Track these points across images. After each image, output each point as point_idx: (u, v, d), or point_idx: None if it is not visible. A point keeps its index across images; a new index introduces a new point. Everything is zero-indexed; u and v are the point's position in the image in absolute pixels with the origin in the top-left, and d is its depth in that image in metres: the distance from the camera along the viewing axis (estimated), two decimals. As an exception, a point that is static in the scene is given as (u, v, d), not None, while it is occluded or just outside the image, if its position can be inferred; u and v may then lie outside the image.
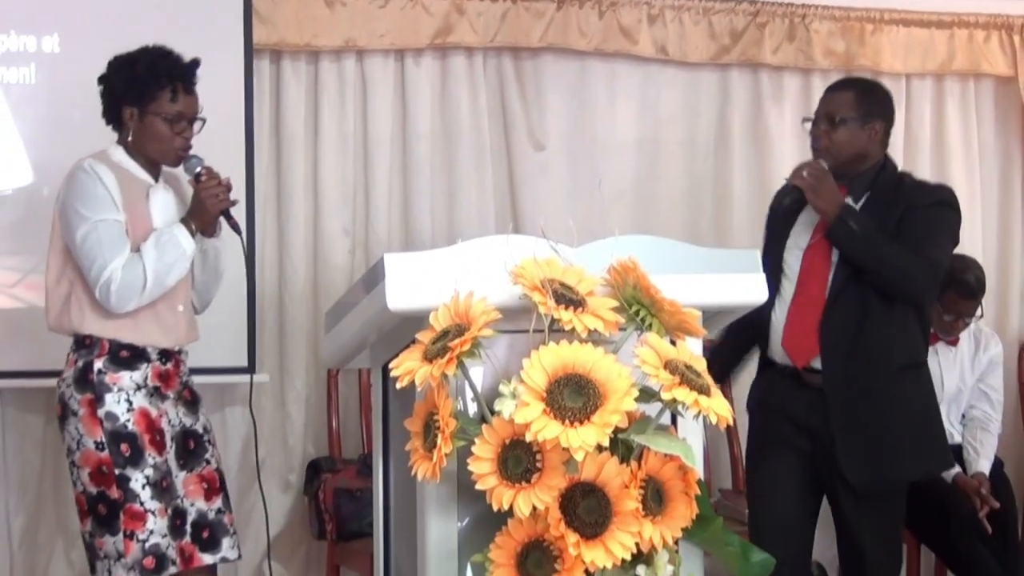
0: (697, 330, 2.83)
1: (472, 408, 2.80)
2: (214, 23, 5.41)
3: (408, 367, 2.64)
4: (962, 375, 5.68)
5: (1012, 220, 6.51)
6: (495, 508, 2.58)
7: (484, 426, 2.62)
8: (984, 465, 5.47)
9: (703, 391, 2.62)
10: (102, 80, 4.23)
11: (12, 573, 5.53)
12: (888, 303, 4.24)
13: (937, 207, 4.39)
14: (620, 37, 6.00)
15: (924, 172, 6.33)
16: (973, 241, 6.29)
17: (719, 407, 2.63)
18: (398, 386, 2.66)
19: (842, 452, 4.26)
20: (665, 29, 6.05)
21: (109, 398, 4.06)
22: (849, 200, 4.36)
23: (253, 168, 5.45)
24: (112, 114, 4.24)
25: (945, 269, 4.39)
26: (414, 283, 2.84)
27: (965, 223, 6.23)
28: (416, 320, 2.80)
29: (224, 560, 4.28)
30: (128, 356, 4.12)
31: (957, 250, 5.85)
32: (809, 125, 4.49)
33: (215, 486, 4.28)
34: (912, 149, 6.35)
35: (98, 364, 4.08)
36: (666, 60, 6.11)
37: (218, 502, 4.27)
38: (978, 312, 5.57)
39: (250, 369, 5.42)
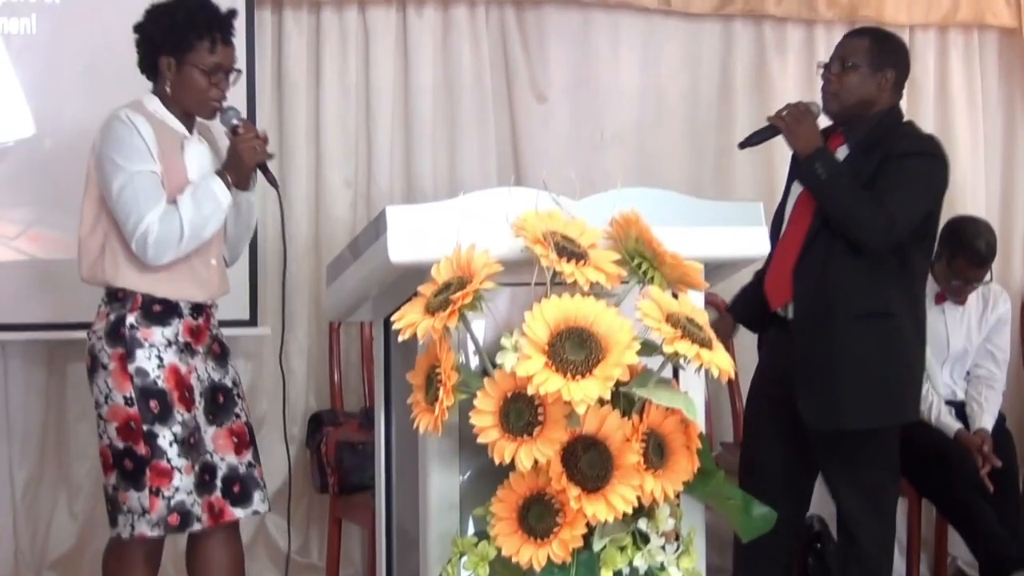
0: (699, 283, 2.83)
1: (474, 361, 2.80)
2: (215, -26, 5.39)
3: (410, 320, 2.64)
4: (968, 334, 5.65)
5: (1015, 172, 6.49)
6: (497, 461, 2.59)
7: (486, 379, 2.63)
8: (987, 421, 5.47)
9: (705, 344, 2.62)
10: (138, 29, 4.18)
11: (15, 525, 5.55)
12: (854, 250, 4.26)
13: (913, 158, 4.38)
14: (623, -12, 5.99)
15: (927, 124, 6.30)
16: (976, 194, 6.29)
17: (721, 360, 2.63)
18: (400, 339, 2.66)
19: (801, 398, 4.30)
20: (669, -20, 6.04)
21: (140, 353, 4.04)
22: (844, 148, 4.41)
23: (255, 121, 5.42)
24: (148, 63, 4.18)
25: (915, 221, 4.32)
26: (416, 235, 2.83)
27: (968, 176, 6.28)
28: (418, 273, 2.80)
29: (255, 513, 4.31)
30: (161, 311, 4.10)
31: (964, 211, 5.88)
32: (823, 70, 4.52)
33: (245, 440, 4.28)
34: (916, 101, 6.33)
35: (131, 319, 4.06)
36: (669, 11, 6.09)
37: (248, 456, 4.28)
38: (987, 277, 5.55)
39: (252, 322, 5.43)
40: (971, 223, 5.58)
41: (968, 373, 5.67)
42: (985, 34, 6.45)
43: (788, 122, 4.39)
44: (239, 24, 5.29)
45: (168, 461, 4.02)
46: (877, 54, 4.44)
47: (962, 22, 6.35)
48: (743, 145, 4.59)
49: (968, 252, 5.44)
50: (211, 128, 4.30)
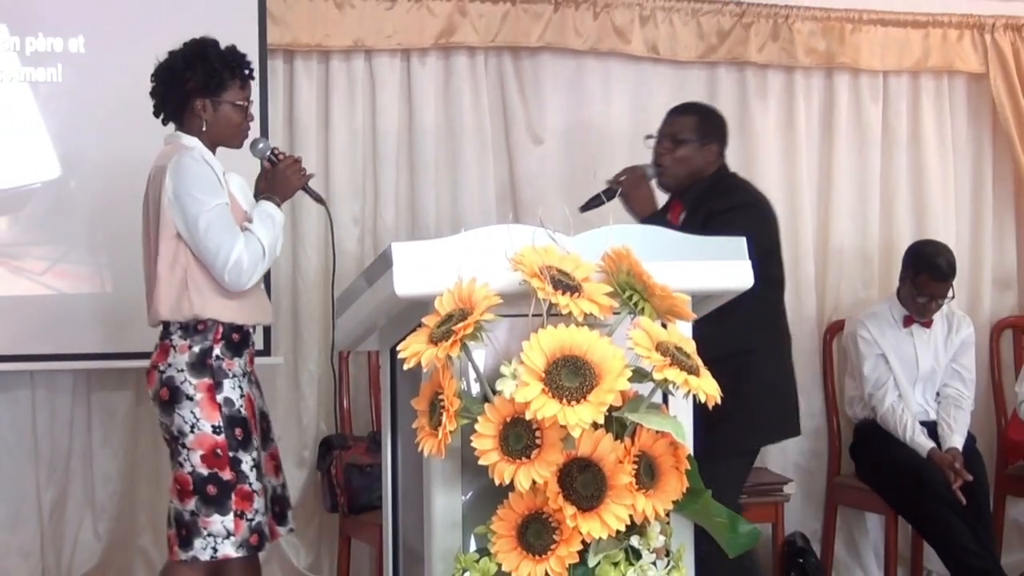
0: (687, 314, 2.83)
1: (475, 388, 2.80)
2: (230, 24, 5.38)
3: (415, 349, 2.64)
4: (936, 355, 5.72)
5: (983, 210, 6.50)
6: (497, 482, 2.58)
7: (486, 405, 2.62)
8: (957, 441, 5.49)
9: (692, 371, 2.62)
10: (165, 77, 4.21)
11: (43, 544, 5.54)
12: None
13: (730, 212, 4.44)
14: (614, 37, 5.99)
15: (900, 165, 6.34)
16: (947, 230, 6.30)
17: (708, 386, 2.63)
18: (405, 367, 2.66)
19: None
20: (656, 29, 6.04)
21: (227, 384, 4.08)
22: (683, 213, 4.54)
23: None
24: (177, 108, 4.21)
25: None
26: (420, 270, 2.83)
27: (939, 214, 6.33)
28: (422, 305, 2.80)
29: (291, 531, 4.42)
30: (238, 340, 4.14)
31: (929, 235, 5.93)
32: (652, 142, 4.68)
33: (279, 462, 4.38)
34: (889, 143, 6.35)
35: (216, 350, 4.08)
36: (657, 59, 6.10)
37: (282, 477, 4.37)
38: (950, 294, 5.60)
39: (265, 352, 5.44)
40: (930, 244, 5.73)
41: (938, 394, 5.70)
42: (955, 79, 6.48)
43: (627, 187, 4.48)
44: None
45: (250, 485, 4.06)
46: (703, 129, 4.65)
47: (933, 68, 6.37)
48: (583, 209, 4.63)
49: (930, 268, 5.56)
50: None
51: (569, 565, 2.61)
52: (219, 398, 4.05)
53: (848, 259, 6.29)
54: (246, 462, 4.06)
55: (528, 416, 2.52)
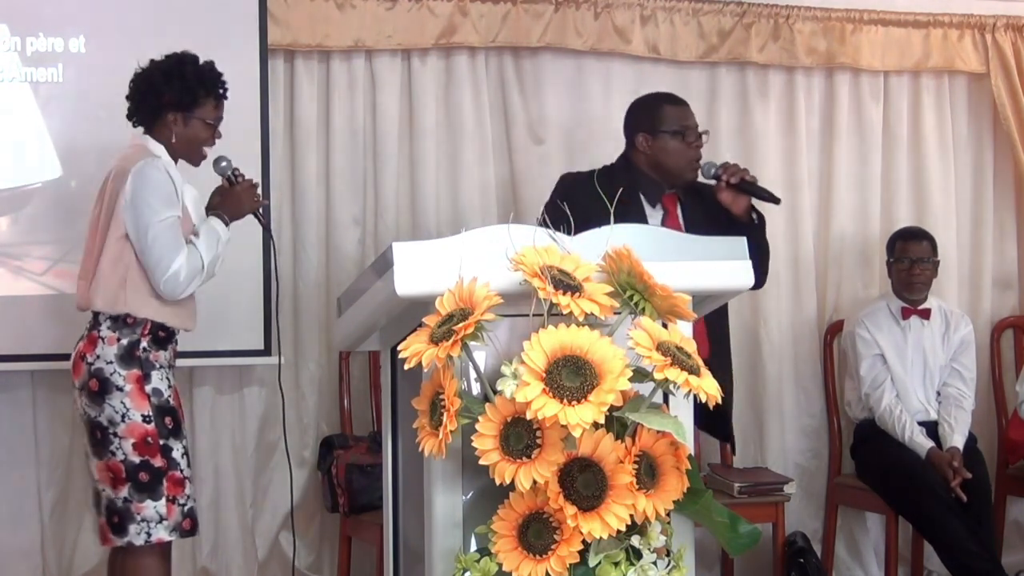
0: (687, 314, 2.83)
1: (476, 388, 2.80)
2: (231, 25, 5.41)
3: (415, 349, 2.64)
4: (934, 349, 5.74)
5: (984, 210, 6.49)
6: (498, 482, 2.59)
7: (487, 405, 2.63)
8: (958, 440, 5.49)
9: (693, 371, 2.62)
10: (143, 87, 4.36)
11: (43, 544, 5.55)
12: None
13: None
14: (614, 37, 5.99)
15: (901, 164, 6.34)
16: (948, 230, 6.29)
17: (708, 386, 2.63)
18: (406, 367, 2.66)
19: None
20: (657, 29, 6.04)
21: (155, 375, 4.21)
22: (678, 207, 4.74)
23: (269, 162, 5.45)
24: (152, 116, 4.35)
25: None
26: (421, 270, 2.84)
27: (940, 213, 6.38)
28: (423, 305, 2.80)
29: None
30: (164, 336, 4.26)
31: (938, 247, 5.99)
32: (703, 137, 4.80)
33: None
34: (890, 143, 6.34)
35: (143, 343, 4.20)
36: (658, 59, 6.10)
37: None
38: (936, 257, 5.79)
39: (266, 352, 5.44)
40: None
41: (939, 393, 5.71)
42: (955, 79, 6.47)
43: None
44: (254, 72, 5.41)
45: (181, 471, 4.22)
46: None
47: (934, 68, 6.36)
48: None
49: (903, 235, 5.80)
50: None
51: (570, 565, 2.62)
52: (148, 388, 4.18)
53: (848, 259, 6.29)
54: (177, 449, 4.21)
55: (529, 416, 2.52)
